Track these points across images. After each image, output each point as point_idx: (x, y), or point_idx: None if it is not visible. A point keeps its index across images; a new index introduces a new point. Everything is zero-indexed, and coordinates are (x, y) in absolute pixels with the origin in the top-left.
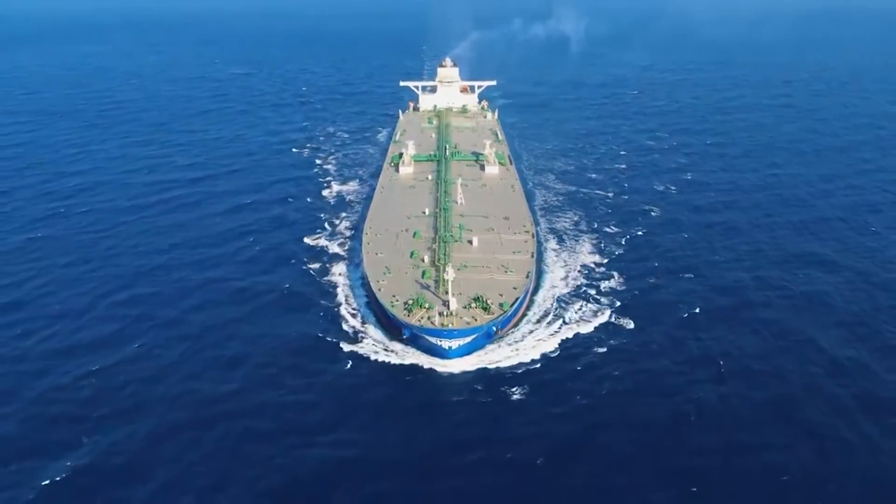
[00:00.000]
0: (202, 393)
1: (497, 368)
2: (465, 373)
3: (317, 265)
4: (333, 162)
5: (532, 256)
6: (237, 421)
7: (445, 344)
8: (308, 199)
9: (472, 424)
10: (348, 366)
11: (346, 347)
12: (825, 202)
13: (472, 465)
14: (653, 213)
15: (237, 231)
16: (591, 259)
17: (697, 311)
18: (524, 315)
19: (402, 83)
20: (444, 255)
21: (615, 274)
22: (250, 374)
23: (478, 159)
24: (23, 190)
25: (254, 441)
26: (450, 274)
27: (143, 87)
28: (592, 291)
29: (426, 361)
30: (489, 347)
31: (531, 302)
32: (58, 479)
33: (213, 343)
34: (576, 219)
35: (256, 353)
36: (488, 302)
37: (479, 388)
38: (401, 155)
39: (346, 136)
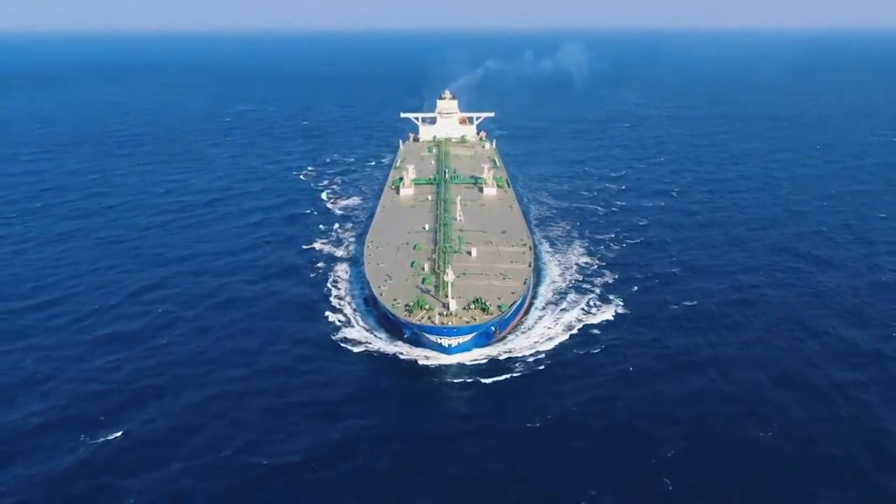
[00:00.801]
0: (226, 374)
1: (501, 353)
2: (474, 362)
3: (323, 270)
4: (339, 182)
5: (529, 266)
6: (259, 397)
7: (445, 342)
8: (315, 214)
9: (478, 399)
10: (356, 356)
11: (351, 341)
12: (813, 218)
13: (480, 430)
14: (642, 224)
15: (251, 241)
16: (586, 260)
17: (693, 303)
18: (522, 320)
19: (402, 114)
20: (444, 263)
21: (609, 272)
22: (268, 360)
23: (476, 182)
24: (50, 208)
25: (277, 412)
26: (449, 275)
27: (157, 122)
28: (588, 286)
29: (431, 353)
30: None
31: (534, 294)
32: (102, 441)
33: (233, 334)
34: (568, 228)
35: (271, 344)
36: (487, 303)
37: (485, 367)
38: (401, 179)
39: (351, 160)
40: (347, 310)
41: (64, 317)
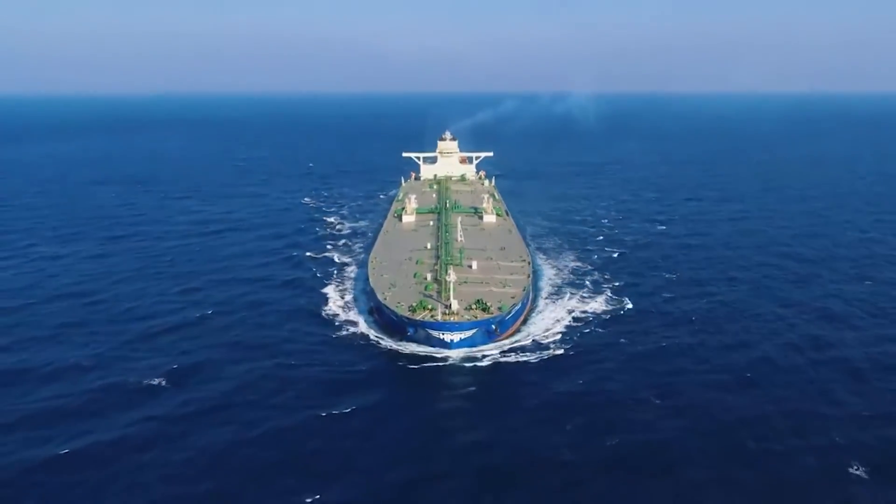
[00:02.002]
0: (258, 353)
1: (502, 343)
2: (476, 352)
3: (332, 279)
4: (345, 211)
5: (528, 277)
6: (287, 370)
7: (447, 337)
8: (323, 236)
9: (482, 373)
10: (365, 348)
11: (359, 337)
12: (799, 239)
13: (485, 397)
14: (637, 241)
15: (270, 258)
16: (581, 264)
17: (685, 301)
18: (521, 324)
19: (404, 154)
20: (446, 273)
21: (600, 273)
22: (290, 347)
23: (476, 211)
24: (86, 231)
25: (305, 381)
26: (451, 276)
27: (176, 165)
28: (582, 286)
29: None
30: None
31: (534, 290)
32: (157, 400)
33: (261, 324)
34: (560, 241)
35: (291, 333)
36: (488, 304)
37: (485, 353)
38: (403, 208)
39: (356, 195)
40: (354, 312)
41: (112, 311)
